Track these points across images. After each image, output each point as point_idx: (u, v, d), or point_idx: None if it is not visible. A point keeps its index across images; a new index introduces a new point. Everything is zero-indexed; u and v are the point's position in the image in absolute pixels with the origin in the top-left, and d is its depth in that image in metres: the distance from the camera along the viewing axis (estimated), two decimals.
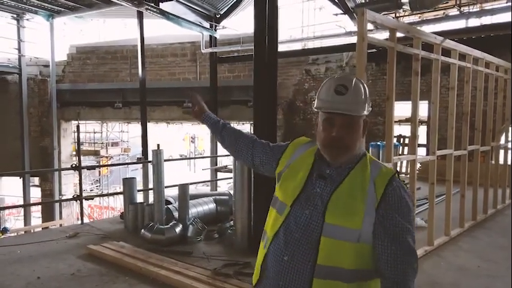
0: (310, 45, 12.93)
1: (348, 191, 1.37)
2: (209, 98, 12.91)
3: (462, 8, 9.96)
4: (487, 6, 8.46)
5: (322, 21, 13.02)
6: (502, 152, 7.45)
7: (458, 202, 5.61)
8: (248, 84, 13.50)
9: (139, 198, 6.17)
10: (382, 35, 6.79)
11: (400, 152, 11.59)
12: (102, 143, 18.40)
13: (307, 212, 1.38)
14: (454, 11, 10.13)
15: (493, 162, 6.95)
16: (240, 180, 4.71)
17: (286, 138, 12.50)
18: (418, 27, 10.13)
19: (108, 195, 14.35)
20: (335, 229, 1.32)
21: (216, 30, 12.67)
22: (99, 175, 19.57)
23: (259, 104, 4.84)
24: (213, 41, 12.99)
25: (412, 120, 4.56)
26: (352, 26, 10.71)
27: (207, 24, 12.39)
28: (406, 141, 11.71)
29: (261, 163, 1.76)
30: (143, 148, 11.36)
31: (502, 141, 7.61)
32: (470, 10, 9.76)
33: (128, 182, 5.80)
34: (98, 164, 15.99)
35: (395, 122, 11.35)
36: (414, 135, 4.55)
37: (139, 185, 6.49)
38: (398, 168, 11.04)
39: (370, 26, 3.39)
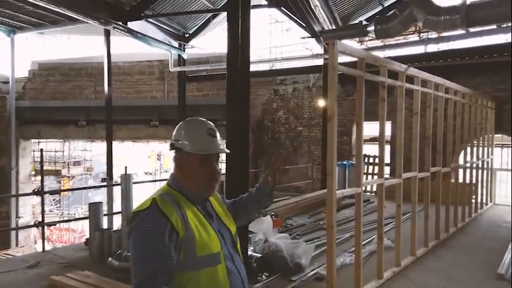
0: (278, 65, 13.17)
1: (220, 210, 1.74)
2: (177, 117, 12.80)
3: (421, 35, 10.54)
4: (444, 33, 8.98)
5: (290, 43, 13.33)
6: (460, 171, 7.84)
7: (423, 221, 5.81)
8: (217, 103, 13.55)
9: (105, 222, 5.97)
10: (346, 58, 7.00)
11: (365, 171, 11.89)
12: (64, 162, 17.73)
13: (226, 242, 1.64)
14: (414, 37, 10.68)
15: (453, 181, 7.27)
16: None
17: (255, 157, 12.59)
18: (381, 52, 10.63)
19: (71, 220, 13.66)
20: (236, 236, 1.73)
21: (184, 50, 12.67)
22: (60, 195, 18.77)
23: (232, 123, 4.86)
24: (181, 60, 12.96)
25: (380, 145, 4.71)
26: (318, 49, 11.02)
27: (175, 43, 12.37)
28: (371, 160, 12.05)
29: (175, 255, 1.46)
30: (108, 167, 11.03)
31: (460, 161, 8.02)
32: (429, 36, 10.34)
33: (94, 207, 5.60)
34: (61, 189, 15.34)
35: None
36: (382, 160, 4.71)
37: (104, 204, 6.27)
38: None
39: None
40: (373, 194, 10.71)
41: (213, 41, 15.01)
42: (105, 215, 6.02)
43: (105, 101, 11.06)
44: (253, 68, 12.87)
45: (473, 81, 9.76)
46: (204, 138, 1.61)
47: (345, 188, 9.29)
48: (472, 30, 6.91)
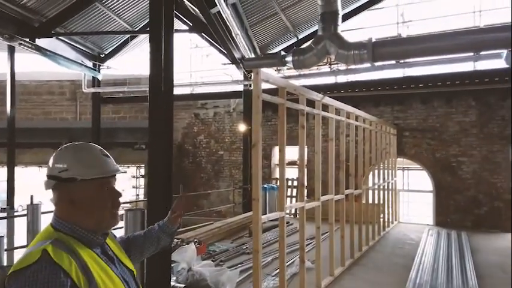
0: (199, 90, 13.20)
1: (118, 250, 1.51)
2: (91, 140, 12.08)
3: (332, 66, 11.40)
4: (353, 66, 9.81)
5: (210, 68, 13.48)
6: (370, 192, 8.48)
7: (339, 241, 6.14)
8: (135, 126, 13.10)
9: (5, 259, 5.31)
10: (264, 85, 7.31)
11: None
12: None
13: (130, 284, 1.44)
14: (326, 68, 11.52)
15: (364, 202, 7.84)
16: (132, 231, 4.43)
17: (176, 182, 12.29)
18: (297, 80, 11.24)
19: None
20: (137, 277, 1.52)
21: (99, 70, 12.11)
22: None
23: (155, 148, 4.72)
24: (96, 81, 12.36)
25: (300, 170, 4.92)
26: (238, 75, 11.31)
27: (90, 63, 11.78)
28: (289, 183, 12.47)
29: None
30: (9, 196, 9.90)
31: (369, 184, 8.69)
32: (339, 68, 11.22)
33: None
34: None
35: (276, 164, 12.11)
36: (302, 184, 4.91)
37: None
38: None
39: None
40: (292, 216, 11.06)
41: (132, 62, 14.58)
42: (5, 250, 5.35)
43: (7, 123, 10.03)
44: (174, 91, 12.78)
45: (378, 110, 10.80)
46: (100, 160, 1.39)
47: (266, 211, 9.49)
48: (377, 64, 7.67)
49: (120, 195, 1.43)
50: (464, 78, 9.94)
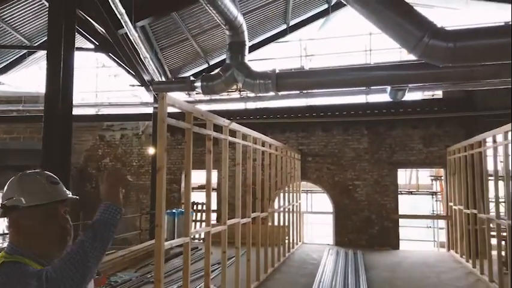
0: (105, 110, 12.63)
1: None
2: None
3: (242, 93, 11.80)
4: (260, 94, 10.27)
5: (118, 89, 13.01)
6: (276, 215, 8.82)
7: (245, 265, 6.24)
8: (30, 147, 11.99)
9: None
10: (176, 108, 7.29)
11: (194, 218, 12.10)
12: None
13: None
14: (236, 94, 11.88)
15: (270, 224, 8.12)
16: None
17: (76, 209, 11.44)
18: (208, 105, 11.40)
19: None
20: None
21: None
22: None
23: (48, 171, 4.40)
24: None
25: (207, 194, 4.97)
26: (148, 97, 11.10)
27: None
28: (199, 207, 12.38)
29: None
30: None
31: (275, 206, 9.05)
32: (248, 95, 11.65)
33: None
34: None
35: None
36: (208, 208, 4.96)
37: None
38: None
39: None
40: (202, 240, 10.94)
41: (29, 79, 13.45)
42: None
43: None
44: (76, 111, 12.04)
45: (284, 136, 11.40)
46: (44, 187, 1.42)
47: (174, 237, 9.27)
48: (280, 93, 8.16)
49: (67, 221, 1.44)
50: (358, 109, 11.04)
